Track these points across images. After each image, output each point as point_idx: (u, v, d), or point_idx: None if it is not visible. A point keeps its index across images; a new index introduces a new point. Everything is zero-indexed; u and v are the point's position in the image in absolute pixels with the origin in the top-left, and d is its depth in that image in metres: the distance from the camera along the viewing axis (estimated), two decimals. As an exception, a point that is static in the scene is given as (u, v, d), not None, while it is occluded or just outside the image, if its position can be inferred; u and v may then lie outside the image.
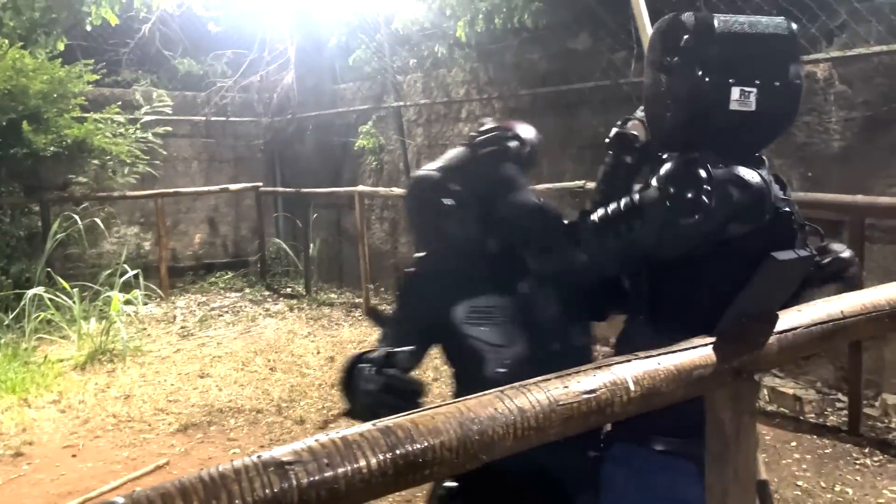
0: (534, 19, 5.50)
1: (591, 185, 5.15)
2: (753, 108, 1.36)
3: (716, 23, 1.40)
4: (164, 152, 8.01)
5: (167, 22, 8.29)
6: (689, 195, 1.30)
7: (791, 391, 4.14)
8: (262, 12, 8.47)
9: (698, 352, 1.19)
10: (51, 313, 6.00)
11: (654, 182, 1.39)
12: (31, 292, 6.02)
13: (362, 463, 0.84)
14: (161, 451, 4.05)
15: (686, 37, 1.40)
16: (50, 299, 5.99)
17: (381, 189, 7.30)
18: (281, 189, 9.02)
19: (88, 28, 5.27)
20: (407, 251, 7.66)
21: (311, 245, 8.28)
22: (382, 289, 7.81)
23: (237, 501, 0.75)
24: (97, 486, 3.59)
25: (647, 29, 2.91)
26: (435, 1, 6.36)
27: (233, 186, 8.50)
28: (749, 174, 1.37)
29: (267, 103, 8.84)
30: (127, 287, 6.46)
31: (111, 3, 5.27)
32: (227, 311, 7.27)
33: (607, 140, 1.63)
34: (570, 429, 1.05)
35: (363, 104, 8.04)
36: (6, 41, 5.87)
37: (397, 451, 0.86)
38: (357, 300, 7.45)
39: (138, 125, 7.72)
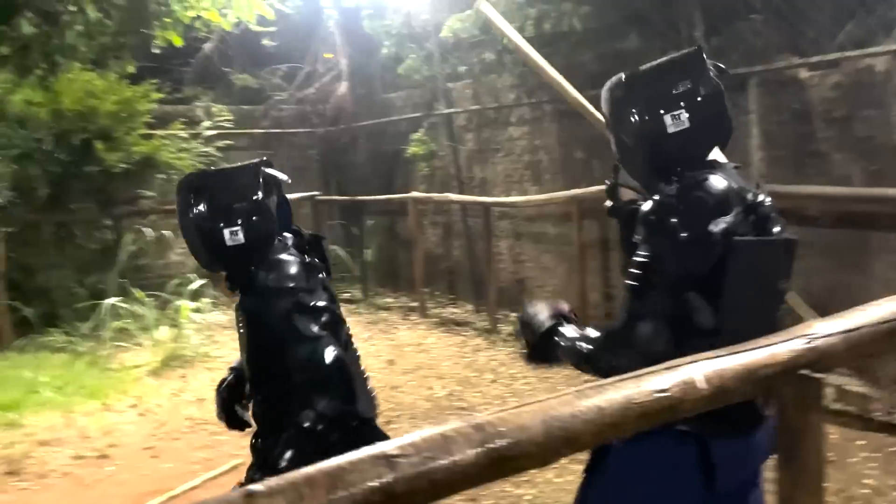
0: (583, 22, 5.54)
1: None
2: (688, 124, 1.62)
3: (637, 73, 1.72)
4: (226, 165, 8.29)
5: (225, 40, 8.61)
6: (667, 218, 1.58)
7: (858, 389, 4.08)
8: (314, 26, 8.71)
9: (764, 351, 1.25)
10: (125, 322, 6.30)
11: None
12: (106, 302, 6.34)
13: (458, 456, 0.93)
14: (234, 451, 4.22)
15: (618, 94, 1.73)
16: (124, 309, 6.30)
17: (434, 195, 7.43)
18: (336, 197, 9.24)
19: (156, 51, 5.53)
20: (460, 255, 7.77)
21: (367, 251, 8.47)
22: (437, 292, 7.93)
23: (354, 489, 0.85)
24: (178, 484, 3.79)
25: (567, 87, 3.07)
26: (484, 9, 6.44)
27: (290, 196, 8.69)
28: (710, 179, 1.60)
29: (321, 114, 9.07)
30: (194, 295, 6.73)
31: (175, 26, 5.52)
32: (288, 317, 7.48)
33: (611, 213, 1.90)
34: (645, 426, 1.13)
35: (414, 112, 8.18)
36: (78, 65, 6.20)
37: (489, 446, 0.96)
38: (413, 304, 7.59)
39: (200, 139, 8.03)
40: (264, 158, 2.16)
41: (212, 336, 6.71)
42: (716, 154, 1.73)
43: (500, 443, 0.97)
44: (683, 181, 1.61)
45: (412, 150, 8.00)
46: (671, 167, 1.64)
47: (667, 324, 1.56)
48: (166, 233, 7.70)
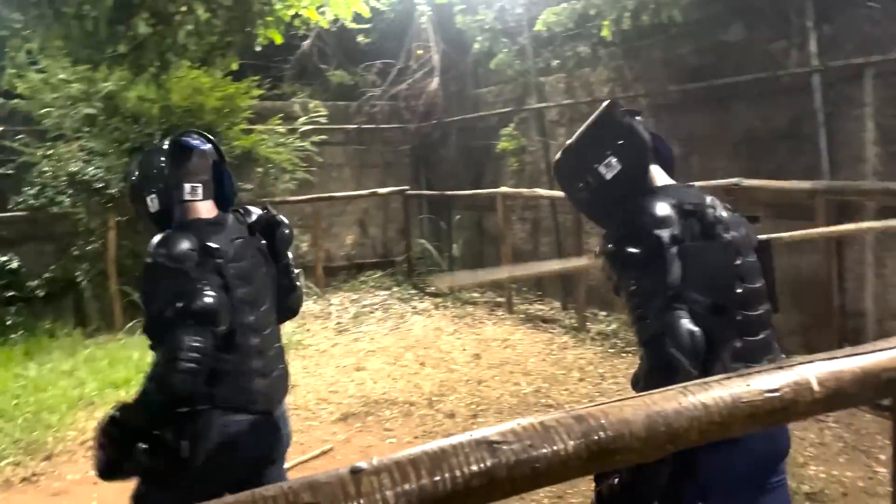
0: (684, 13, 5.36)
1: (747, 182, 4.95)
2: (620, 166, 1.88)
3: (565, 149, 2.01)
4: (320, 159, 8.55)
5: (322, 37, 8.86)
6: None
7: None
8: (407, 23, 8.82)
9: (887, 353, 1.17)
10: (224, 309, 6.59)
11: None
12: (208, 290, 6.65)
13: (560, 446, 0.93)
14: (325, 437, 4.36)
15: (561, 172, 2.04)
16: (224, 296, 6.58)
17: (523, 190, 7.38)
18: (426, 192, 9.35)
19: (258, 49, 5.75)
20: (548, 251, 7.70)
21: (454, 245, 8.52)
22: (524, 288, 7.89)
23: (456, 472, 0.86)
24: (272, 466, 3.93)
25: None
26: (579, 2, 6.35)
27: (381, 190, 8.92)
28: (647, 200, 1.78)
29: (413, 110, 9.20)
30: (289, 285, 6.96)
31: (276, 24, 5.71)
32: (377, 309, 7.64)
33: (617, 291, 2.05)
34: (754, 427, 1.08)
35: (505, 107, 8.16)
36: (187, 63, 6.52)
37: (591, 437, 0.94)
38: (499, 299, 7.58)
39: (297, 135, 8.30)
40: (188, 129, 2.22)
41: (304, 324, 6.94)
42: (662, 178, 1.93)
43: (601, 435, 0.95)
44: (626, 211, 1.81)
45: (502, 145, 7.99)
46: (627, 201, 1.87)
47: (687, 331, 1.63)
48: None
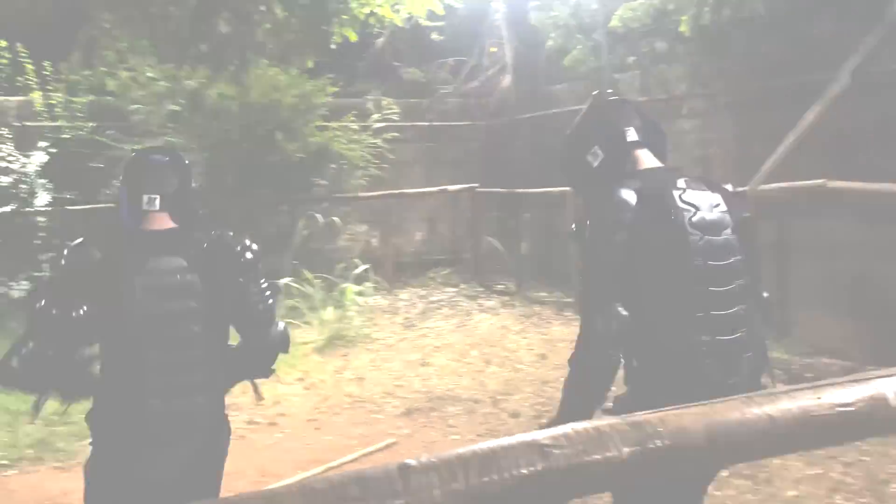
0: (768, 6, 5.14)
1: (833, 184, 4.72)
2: (603, 154, 2.02)
3: (563, 140, 2.17)
4: (392, 156, 8.63)
5: (396, 35, 8.96)
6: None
7: None
8: (481, 20, 8.81)
9: (976, 371, 1.09)
10: (296, 301, 6.75)
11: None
12: (281, 282, 6.83)
13: (613, 452, 0.90)
14: (389, 431, 4.41)
15: (562, 160, 2.17)
16: (295, 288, 6.75)
17: (595, 189, 7.26)
18: (495, 189, 9.31)
19: (333, 47, 5.86)
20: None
21: (523, 244, 8.47)
22: (594, 289, 7.75)
23: (506, 474, 0.85)
24: (336, 457, 4.00)
25: None
26: (657, -4, 6.20)
27: (451, 187, 8.92)
28: (617, 192, 1.89)
29: (485, 107, 9.18)
30: (358, 280, 7.08)
31: (351, 22, 5.81)
32: (444, 305, 7.67)
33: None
34: (825, 442, 1.03)
35: (578, 104, 8.01)
36: (266, 61, 6.72)
37: (647, 445, 0.92)
38: (567, 300, 7.48)
39: (370, 131, 8.41)
40: (161, 147, 2.26)
41: (372, 318, 7.03)
42: (650, 162, 2.01)
43: (657, 443, 0.93)
44: (592, 196, 1.97)
45: (574, 142, 7.88)
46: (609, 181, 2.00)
47: (614, 312, 1.77)
48: (336, 219, 8.16)
